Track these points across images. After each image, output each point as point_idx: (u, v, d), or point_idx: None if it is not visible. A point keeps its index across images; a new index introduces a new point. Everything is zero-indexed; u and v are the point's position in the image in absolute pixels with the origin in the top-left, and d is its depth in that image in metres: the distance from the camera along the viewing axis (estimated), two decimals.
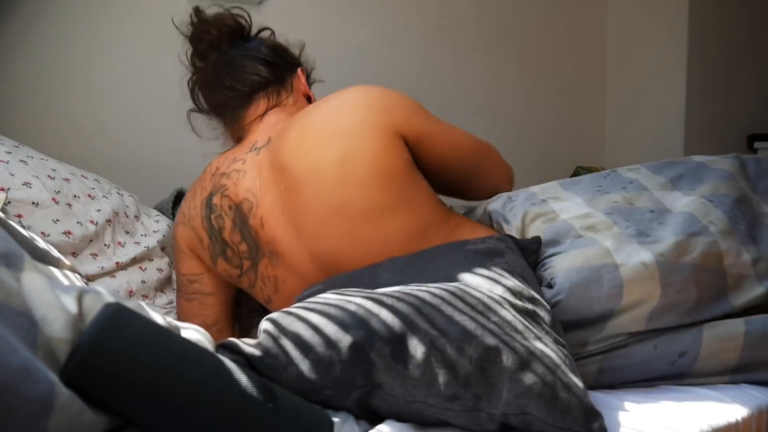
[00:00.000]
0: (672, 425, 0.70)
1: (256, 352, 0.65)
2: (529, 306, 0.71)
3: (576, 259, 0.82)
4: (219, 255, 0.98)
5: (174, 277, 1.17)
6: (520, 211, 0.95)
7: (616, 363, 0.80)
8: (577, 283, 0.79)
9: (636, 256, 0.80)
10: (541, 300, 0.74)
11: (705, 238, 0.83)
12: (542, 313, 0.71)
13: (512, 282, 0.73)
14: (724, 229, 0.84)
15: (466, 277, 0.74)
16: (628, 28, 2.30)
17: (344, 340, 0.63)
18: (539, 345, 0.64)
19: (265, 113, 1.06)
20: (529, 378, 0.60)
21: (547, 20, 2.24)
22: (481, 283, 0.72)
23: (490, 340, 0.62)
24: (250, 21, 1.14)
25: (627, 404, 0.75)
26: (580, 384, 0.62)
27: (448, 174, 1.01)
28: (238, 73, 1.07)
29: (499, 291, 0.71)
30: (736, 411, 0.75)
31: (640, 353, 0.80)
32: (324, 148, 0.87)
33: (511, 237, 0.87)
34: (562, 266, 0.82)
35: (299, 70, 1.15)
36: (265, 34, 1.17)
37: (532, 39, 2.22)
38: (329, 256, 0.89)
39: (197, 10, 1.12)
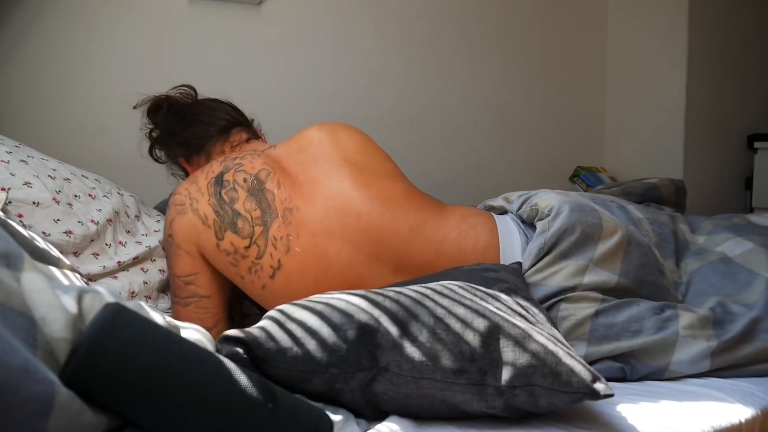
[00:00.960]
0: (672, 425, 0.70)
1: (260, 335, 0.66)
2: (523, 302, 0.76)
3: (562, 196, 1.04)
4: (228, 227, 1.00)
5: None
6: (504, 194, 1.19)
7: (607, 320, 0.90)
8: (571, 209, 0.99)
9: (606, 214, 1.02)
10: (535, 300, 0.80)
11: (647, 239, 1.05)
12: (535, 309, 0.76)
13: (506, 285, 0.80)
14: (653, 242, 1.07)
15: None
16: (628, 28, 2.30)
17: (350, 323, 0.65)
18: (534, 328, 0.68)
19: (248, 140, 1.21)
20: (530, 350, 0.64)
21: (547, 20, 2.24)
22: (478, 285, 0.78)
23: (490, 322, 0.67)
24: (196, 93, 1.30)
25: (627, 404, 0.75)
26: (577, 355, 0.66)
27: None
28: (212, 111, 1.22)
29: (493, 291, 0.76)
30: (739, 411, 0.74)
31: (627, 311, 0.91)
32: (343, 132, 1.12)
33: (500, 264, 0.95)
34: (552, 198, 1.03)
35: (259, 128, 1.30)
36: None
37: (532, 39, 2.22)
38: (343, 194, 1.03)
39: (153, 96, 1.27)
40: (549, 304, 0.93)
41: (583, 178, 2.14)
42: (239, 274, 1.01)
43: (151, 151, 1.26)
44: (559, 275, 0.94)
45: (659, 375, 0.87)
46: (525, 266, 0.98)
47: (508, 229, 1.06)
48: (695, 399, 0.78)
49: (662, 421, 0.70)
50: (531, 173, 2.22)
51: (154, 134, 1.25)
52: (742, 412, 0.74)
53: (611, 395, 0.62)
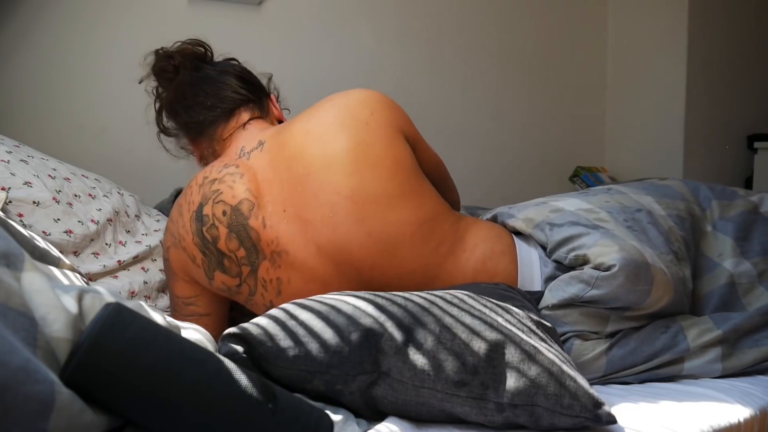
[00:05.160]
0: (672, 425, 0.70)
1: (262, 333, 0.66)
2: (534, 317, 0.75)
3: (616, 246, 0.88)
4: (216, 268, 0.94)
5: None
6: (525, 207, 1.04)
7: (621, 351, 0.87)
8: (626, 276, 0.85)
9: (656, 262, 0.90)
10: (544, 319, 0.79)
11: (679, 261, 0.96)
12: (545, 327, 0.76)
13: (519, 303, 0.79)
14: (683, 256, 0.98)
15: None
16: (628, 28, 2.30)
17: (354, 326, 0.65)
18: (542, 345, 0.67)
19: (247, 122, 1.07)
20: (535, 369, 0.63)
21: (547, 21, 2.24)
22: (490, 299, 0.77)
23: (497, 335, 0.65)
24: (212, 50, 1.16)
25: (627, 404, 0.75)
26: (581, 376, 0.65)
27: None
28: (217, 89, 1.08)
29: (505, 304, 0.75)
30: (738, 411, 0.74)
31: (636, 335, 0.89)
32: (334, 138, 0.90)
33: (514, 288, 0.92)
34: (606, 252, 0.87)
35: (272, 95, 1.18)
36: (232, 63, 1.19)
37: (532, 39, 2.22)
38: (339, 245, 0.89)
39: (157, 50, 1.15)
40: (563, 338, 0.89)
41: (583, 178, 2.14)
42: (238, 301, 1.00)
43: (158, 123, 1.15)
44: (582, 320, 0.89)
45: (671, 380, 0.89)
46: (549, 300, 0.90)
47: (531, 275, 0.96)
48: (695, 399, 0.78)
49: (662, 421, 0.70)
50: (531, 173, 2.22)
51: (158, 105, 1.14)
52: (741, 412, 0.74)
53: (614, 422, 0.62)
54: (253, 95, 1.11)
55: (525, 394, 0.62)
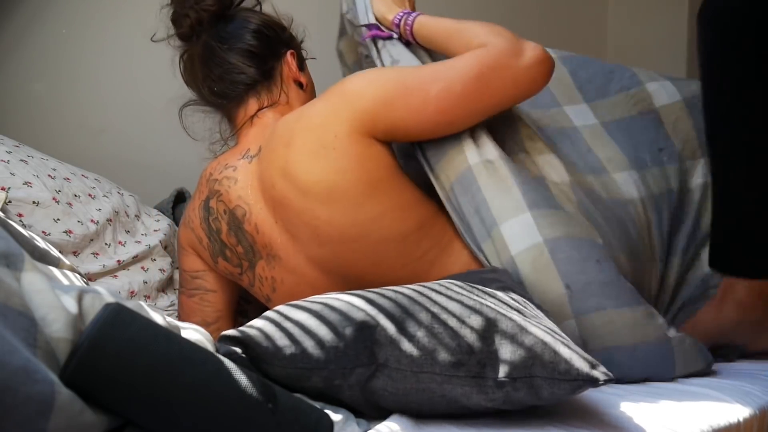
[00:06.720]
0: (672, 425, 0.70)
1: (258, 334, 0.67)
2: (519, 298, 0.77)
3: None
4: (218, 254, 1.01)
5: (176, 277, 1.18)
6: (494, 224, 0.91)
7: None
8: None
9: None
10: (531, 297, 0.80)
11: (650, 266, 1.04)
12: (532, 304, 0.77)
13: (502, 284, 0.80)
14: (654, 262, 1.06)
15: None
16: (628, 28, 2.30)
17: (348, 321, 0.65)
18: (531, 321, 0.69)
19: (255, 115, 1.03)
20: (528, 341, 0.64)
21: (547, 20, 2.24)
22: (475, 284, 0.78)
23: (487, 316, 0.66)
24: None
25: (627, 404, 0.75)
26: (573, 343, 0.66)
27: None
28: (223, 72, 1.03)
29: (490, 289, 0.77)
30: (737, 411, 0.74)
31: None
32: (307, 169, 0.88)
33: (497, 267, 0.92)
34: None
35: (288, 54, 1.07)
36: (251, 1, 1.11)
37: (532, 39, 2.22)
38: (326, 259, 0.94)
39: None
40: None
41: None
42: (242, 286, 1.05)
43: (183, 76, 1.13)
44: None
45: (671, 379, 0.88)
46: None
47: None
48: (694, 399, 0.78)
49: (662, 421, 0.70)
50: None
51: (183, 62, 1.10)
52: (741, 412, 0.74)
53: (612, 380, 0.62)
54: (262, 73, 1.04)
55: (522, 366, 0.62)
